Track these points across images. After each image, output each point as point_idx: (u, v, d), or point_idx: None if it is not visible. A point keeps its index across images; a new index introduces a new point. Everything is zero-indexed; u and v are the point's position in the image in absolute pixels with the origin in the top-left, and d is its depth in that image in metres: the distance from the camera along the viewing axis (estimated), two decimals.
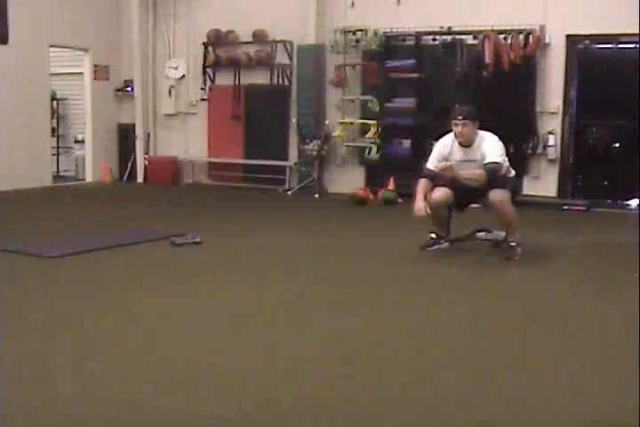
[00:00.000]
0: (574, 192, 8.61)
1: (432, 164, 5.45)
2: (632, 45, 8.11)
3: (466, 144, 5.33)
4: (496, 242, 5.65)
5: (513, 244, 5.36)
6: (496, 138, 5.40)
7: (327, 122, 9.25)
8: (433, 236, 5.61)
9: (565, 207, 8.23)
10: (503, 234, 5.54)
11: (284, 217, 7.61)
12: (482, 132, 5.38)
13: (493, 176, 5.17)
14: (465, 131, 5.26)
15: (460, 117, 5.25)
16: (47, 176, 9.88)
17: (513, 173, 5.61)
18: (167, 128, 10.66)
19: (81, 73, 10.49)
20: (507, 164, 5.47)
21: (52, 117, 10.81)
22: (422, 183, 5.44)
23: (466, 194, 5.39)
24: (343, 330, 3.62)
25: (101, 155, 10.58)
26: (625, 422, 2.57)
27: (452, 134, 5.39)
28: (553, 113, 8.42)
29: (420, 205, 5.28)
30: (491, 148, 5.26)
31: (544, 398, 2.77)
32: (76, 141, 11.20)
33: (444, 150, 5.45)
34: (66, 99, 11.52)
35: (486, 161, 5.20)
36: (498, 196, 5.19)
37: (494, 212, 5.28)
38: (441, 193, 5.40)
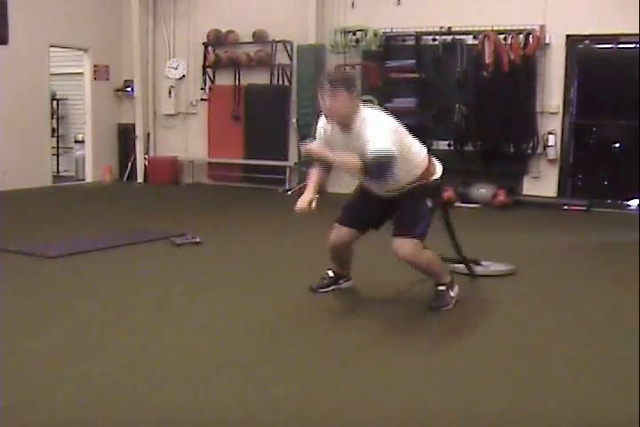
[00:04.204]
0: (574, 192, 8.61)
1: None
2: (632, 45, 8.11)
3: (341, 125, 3.70)
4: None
5: (442, 288, 3.99)
6: (386, 118, 3.77)
7: None
8: (330, 274, 4.32)
9: (565, 207, 8.23)
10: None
11: (284, 217, 7.58)
12: (366, 111, 3.72)
13: (377, 170, 3.56)
14: (335, 106, 3.61)
15: (328, 85, 3.64)
16: (47, 176, 9.87)
17: (437, 171, 3.93)
18: (167, 128, 10.66)
19: (81, 73, 10.49)
20: (417, 157, 3.81)
21: (52, 117, 10.80)
22: (312, 173, 3.92)
23: (381, 207, 3.95)
24: (342, 333, 3.62)
25: (101, 155, 10.58)
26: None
27: None
28: (553, 113, 8.42)
29: (304, 199, 3.74)
30: (375, 132, 3.58)
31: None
32: (76, 141, 11.20)
33: (324, 132, 3.88)
34: (66, 99, 11.52)
35: (369, 149, 3.53)
36: (403, 249, 3.75)
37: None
38: (340, 235, 4.03)
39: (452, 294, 3.98)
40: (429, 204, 3.85)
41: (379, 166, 3.53)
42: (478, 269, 4.70)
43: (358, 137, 3.62)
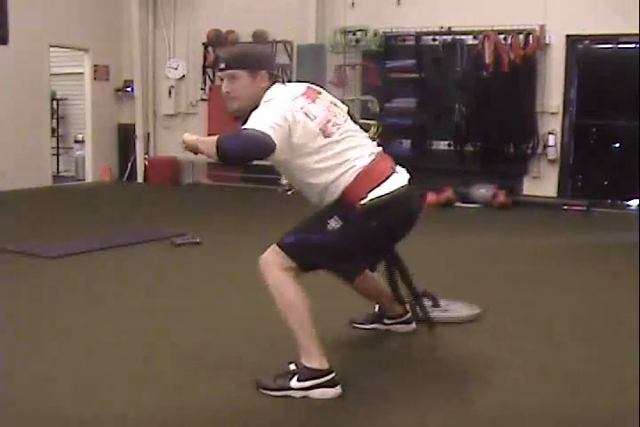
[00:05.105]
0: (574, 192, 8.61)
1: None
2: (632, 45, 8.11)
3: (240, 115, 2.81)
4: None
5: (292, 367, 2.80)
6: (278, 94, 2.79)
7: None
8: (376, 309, 3.57)
9: (565, 207, 8.23)
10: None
11: (284, 217, 7.56)
12: (270, 90, 2.84)
13: (226, 146, 2.54)
14: (234, 89, 2.83)
15: (224, 65, 2.84)
16: (47, 176, 9.87)
17: (374, 193, 2.74)
18: (167, 128, 10.66)
19: (81, 73, 10.48)
20: (323, 170, 2.76)
21: (52, 117, 10.80)
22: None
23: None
24: (339, 332, 3.62)
25: (101, 155, 10.58)
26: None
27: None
28: (553, 113, 8.42)
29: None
30: (255, 112, 2.67)
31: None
32: (76, 141, 11.19)
33: None
34: (66, 99, 11.52)
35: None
36: (264, 254, 2.85)
37: None
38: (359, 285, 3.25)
39: (295, 384, 2.74)
40: (334, 224, 2.74)
41: (239, 138, 2.53)
42: (434, 314, 3.56)
43: None
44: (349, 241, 2.76)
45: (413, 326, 3.51)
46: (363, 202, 2.72)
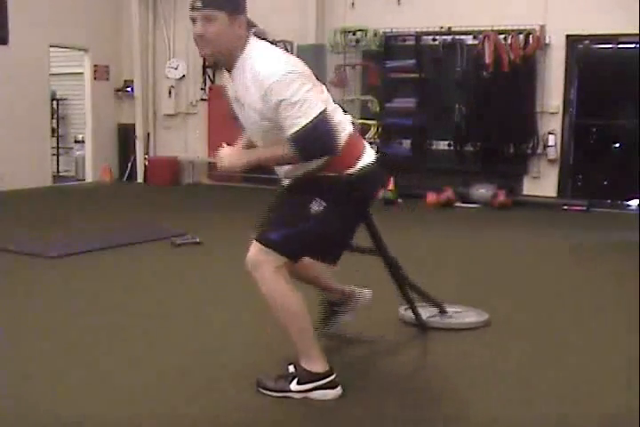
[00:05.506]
0: (574, 192, 8.62)
1: None
2: (632, 45, 8.11)
3: (223, 66, 2.66)
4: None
5: (291, 370, 2.79)
6: (275, 59, 2.61)
7: None
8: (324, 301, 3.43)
9: (565, 207, 8.23)
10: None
11: None
12: (255, 46, 2.61)
13: (311, 142, 2.51)
14: (208, 32, 2.51)
15: (200, 4, 2.50)
16: (47, 176, 9.87)
17: (360, 161, 2.71)
18: (167, 128, 10.66)
19: (81, 73, 10.49)
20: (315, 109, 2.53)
21: (52, 118, 10.81)
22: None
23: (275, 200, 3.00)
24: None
25: (101, 155, 10.58)
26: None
27: None
28: (553, 113, 8.43)
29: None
30: (270, 78, 2.50)
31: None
32: (76, 141, 11.20)
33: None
34: (66, 99, 11.53)
35: (288, 132, 2.51)
36: (248, 255, 2.81)
37: None
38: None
39: (295, 387, 2.70)
40: (316, 207, 2.64)
41: (312, 135, 2.47)
42: (436, 320, 3.59)
43: (243, 83, 2.56)
44: (335, 220, 2.68)
45: (354, 310, 3.34)
46: (351, 171, 2.67)
